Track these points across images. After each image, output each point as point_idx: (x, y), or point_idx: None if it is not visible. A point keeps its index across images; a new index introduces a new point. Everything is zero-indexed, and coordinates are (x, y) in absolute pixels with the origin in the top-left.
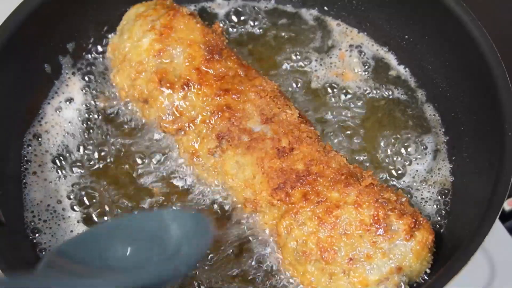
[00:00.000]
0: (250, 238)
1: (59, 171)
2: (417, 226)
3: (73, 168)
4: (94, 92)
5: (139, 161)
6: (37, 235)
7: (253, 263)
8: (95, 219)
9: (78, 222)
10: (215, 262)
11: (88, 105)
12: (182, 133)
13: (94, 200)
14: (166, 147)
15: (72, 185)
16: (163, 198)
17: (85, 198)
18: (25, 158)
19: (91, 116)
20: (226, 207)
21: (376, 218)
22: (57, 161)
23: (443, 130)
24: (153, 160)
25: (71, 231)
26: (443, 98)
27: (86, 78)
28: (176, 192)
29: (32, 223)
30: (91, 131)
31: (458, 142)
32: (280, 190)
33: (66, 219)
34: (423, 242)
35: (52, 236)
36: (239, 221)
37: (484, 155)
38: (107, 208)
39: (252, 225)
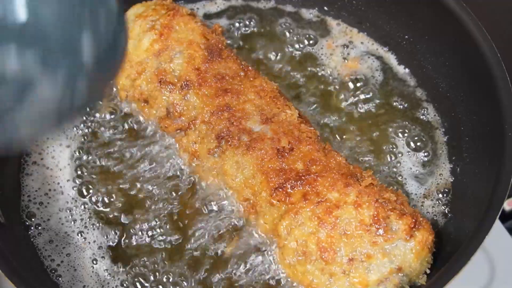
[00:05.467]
0: (250, 238)
1: (59, 160)
2: (417, 226)
3: (74, 157)
4: None
5: (138, 160)
6: (33, 220)
7: (252, 263)
8: (95, 207)
9: (76, 208)
10: (215, 260)
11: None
12: (182, 133)
13: (92, 189)
14: (165, 147)
15: (73, 172)
16: (162, 197)
17: (84, 188)
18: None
19: (90, 115)
20: (226, 208)
21: (376, 218)
22: (57, 152)
23: (443, 130)
24: (152, 159)
25: (70, 217)
26: (443, 98)
27: None
28: (176, 192)
29: (29, 212)
30: (90, 127)
31: (458, 142)
32: (280, 190)
33: (64, 206)
34: (423, 242)
35: (48, 221)
36: (239, 220)
37: (484, 155)
38: (105, 197)
39: (252, 225)
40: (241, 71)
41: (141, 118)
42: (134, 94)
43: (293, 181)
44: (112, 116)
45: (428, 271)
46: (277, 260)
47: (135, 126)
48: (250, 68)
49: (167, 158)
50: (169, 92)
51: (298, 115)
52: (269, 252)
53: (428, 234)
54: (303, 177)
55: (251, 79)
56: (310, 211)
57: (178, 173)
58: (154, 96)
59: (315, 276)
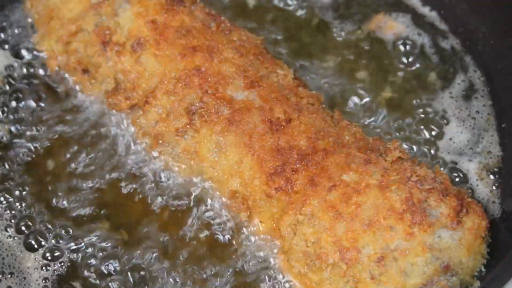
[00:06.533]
0: (245, 242)
1: None
2: (464, 210)
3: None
4: (10, 60)
5: (81, 151)
6: None
7: (251, 270)
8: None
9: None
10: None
11: (6, 77)
12: (139, 110)
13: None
14: (117, 131)
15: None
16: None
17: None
18: None
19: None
20: (208, 206)
21: (409, 202)
22: None
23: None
24: (101, 148)
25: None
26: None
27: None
28: (142, 187)
29: None
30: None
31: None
32: (278, 176)
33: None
34: (474, 230)
35: None
36: (226, 223)
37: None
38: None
39: (245, 227)
40: (211, 22)
41: (81, 95)
42: (68, 62)
43: (294, 163)
44: (40, 92)
45: (483, 269)
46: (282, 269)
47: (71, 105)
48: (223, 18)
49: (121, 146)
50: (116, 57)
51: (293, 76)
52: (271, 260)
53: (480, 220)
54: (307, 156)
55: (227, 32)
56: (321, 201)
57: (138, 164)
58: (96, 63)
59: (335, 285)
